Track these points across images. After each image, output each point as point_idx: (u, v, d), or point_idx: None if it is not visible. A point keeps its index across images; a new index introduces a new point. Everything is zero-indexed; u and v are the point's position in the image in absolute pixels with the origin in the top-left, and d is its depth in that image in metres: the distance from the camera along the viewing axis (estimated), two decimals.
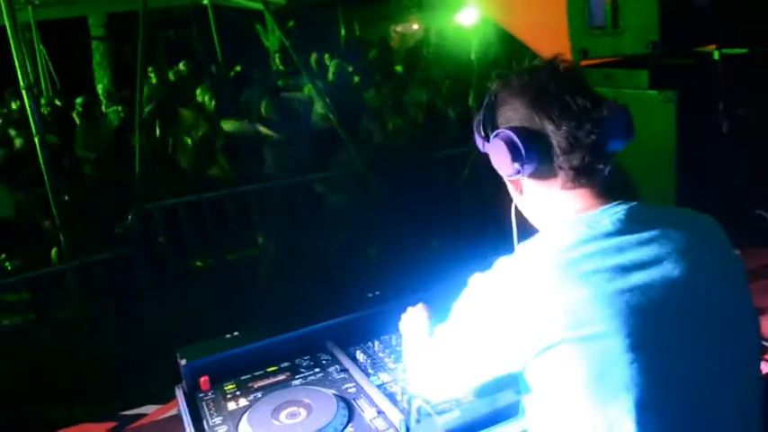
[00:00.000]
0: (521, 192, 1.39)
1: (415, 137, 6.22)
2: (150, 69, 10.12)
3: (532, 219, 1.42)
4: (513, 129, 1.28)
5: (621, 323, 1.14)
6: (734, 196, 2.58)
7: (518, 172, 1.30)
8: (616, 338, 1.14)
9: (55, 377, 4.56)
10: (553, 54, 1.35)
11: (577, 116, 1.24)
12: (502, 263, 1.27)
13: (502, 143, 1.28)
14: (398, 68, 9.57)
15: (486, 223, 5.84)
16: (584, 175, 1.28)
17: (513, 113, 1.30)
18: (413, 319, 1.71)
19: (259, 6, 8.68)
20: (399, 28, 16.07)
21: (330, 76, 8.29)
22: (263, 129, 5.99)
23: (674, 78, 2.60)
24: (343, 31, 12.27)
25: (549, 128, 1.25)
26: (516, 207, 1.46)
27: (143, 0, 4.25)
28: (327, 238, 5.75)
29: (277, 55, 10.49)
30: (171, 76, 10.73)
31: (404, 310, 1.82)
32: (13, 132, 5.94)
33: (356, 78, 8.46)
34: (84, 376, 4.55)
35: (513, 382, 1.35)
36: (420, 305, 1.76)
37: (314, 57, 9.62)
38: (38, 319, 5.49)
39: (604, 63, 2.87)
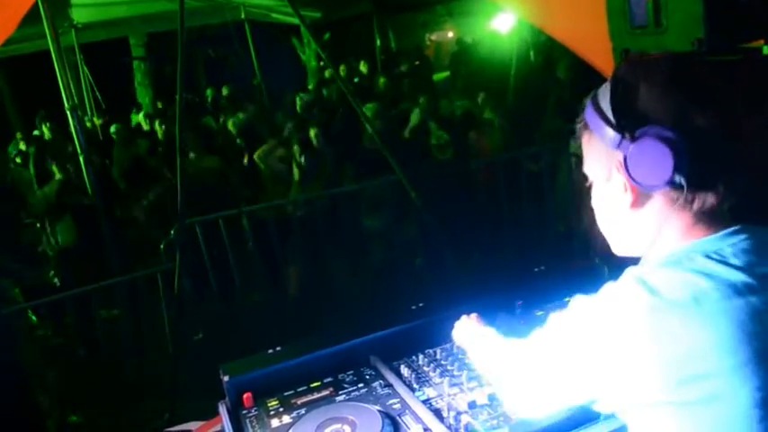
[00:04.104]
0: (637, 205, 1.11)
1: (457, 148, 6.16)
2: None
3: (632, 238, 1.18)
4: (676, 130, 1.01)
5: (750, 374, 0.97)
6: None
7: (671, 184, 1.04)
8: (741, 393, 0.97)
9: (102, 390, 4.64)
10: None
11: (754, 127, 1.05)
12: (608, 292, 1.07)
13: (663, 147, 1.01)
14: (440, 76, 9.57)
15: (527, 235, 5.80)
16: (728, 200, 1.08)
17: (667, 109, 1.03)
18: (467, 328, 1.67)
19: (295, 20, 8.77)
20: (434, 36, 16.09)
21: (380, 86, 8.34)
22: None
23: None
24: (378, 42, 12.30)
25: (719, 137, 1.02)
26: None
27: (181, 19, 4.29)
28: (369, 252, 5.74)
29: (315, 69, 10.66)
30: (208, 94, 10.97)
31: (448, 323, 1.78)
32: (54, 167, 6.02)
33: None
34: (131, 389, 4.62)
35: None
36: (473, 315, 1.72)
37: (343, 68, 9.66)
38: (86, 333, 5.59)
39: None
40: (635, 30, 2.75)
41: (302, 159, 5.62)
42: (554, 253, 5.32)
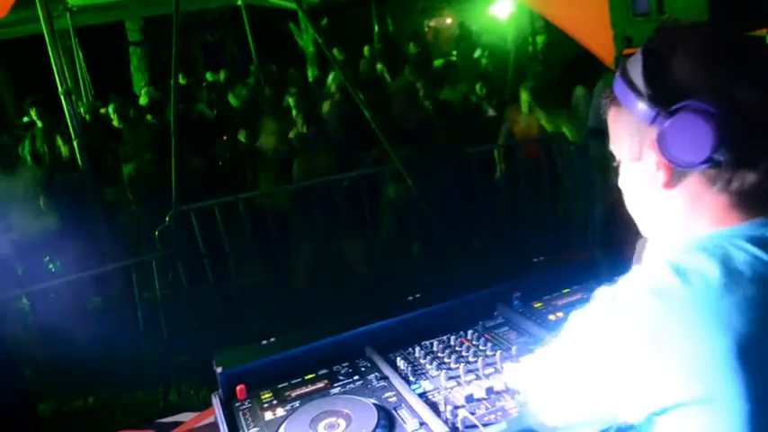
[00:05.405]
0: (670, 185, 1.03)
1: (452, 132, 6.12)
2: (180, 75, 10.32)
3: (661, 220, 1.10)
4: (716, 104, 0.94)
5: None
6: None
7: (710, 163, 0.97)
8: None
9: (98, 378, 4.61)
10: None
11: None
12: (637, 279, 1.00)
13: (703, 121, 0.94)
14: (437, 63, 9.51)
15: (525, 222, 5.76)
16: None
17: (706, 82, 0.96)
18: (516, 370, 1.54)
19: (292, 6, 8.68)
20: (432, 22, 16.00)
21: (379, 71, 8.31)
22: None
23: None
24: (376, 27, 12.21)
25: (760, 112, 0.95)
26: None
27: (176, 3, 4.24)
28: (365, 237, 5.70)
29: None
30: (209, 78, 10.89)
31: (445, 314, 1.75)
32: (60, 141, 6.04)
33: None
34: (126, 378, 4.59)
35: None
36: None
37: (336, 51, 9.58)
38: (81, 320, 5.56)
39: None
40: (637, 17, 2.71)
41: (305, 129, 5.60)
42: (554, 239, 5.28)
